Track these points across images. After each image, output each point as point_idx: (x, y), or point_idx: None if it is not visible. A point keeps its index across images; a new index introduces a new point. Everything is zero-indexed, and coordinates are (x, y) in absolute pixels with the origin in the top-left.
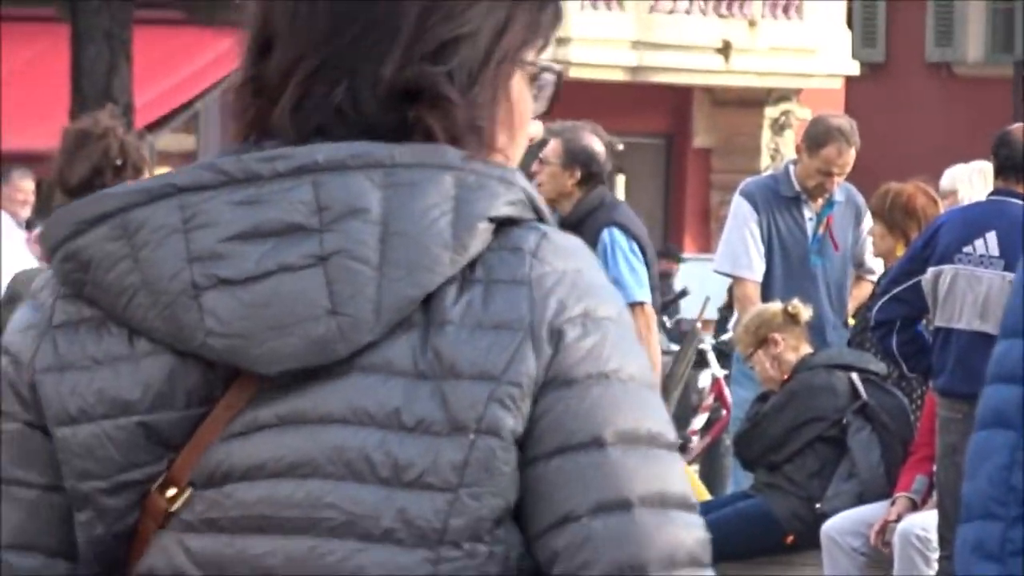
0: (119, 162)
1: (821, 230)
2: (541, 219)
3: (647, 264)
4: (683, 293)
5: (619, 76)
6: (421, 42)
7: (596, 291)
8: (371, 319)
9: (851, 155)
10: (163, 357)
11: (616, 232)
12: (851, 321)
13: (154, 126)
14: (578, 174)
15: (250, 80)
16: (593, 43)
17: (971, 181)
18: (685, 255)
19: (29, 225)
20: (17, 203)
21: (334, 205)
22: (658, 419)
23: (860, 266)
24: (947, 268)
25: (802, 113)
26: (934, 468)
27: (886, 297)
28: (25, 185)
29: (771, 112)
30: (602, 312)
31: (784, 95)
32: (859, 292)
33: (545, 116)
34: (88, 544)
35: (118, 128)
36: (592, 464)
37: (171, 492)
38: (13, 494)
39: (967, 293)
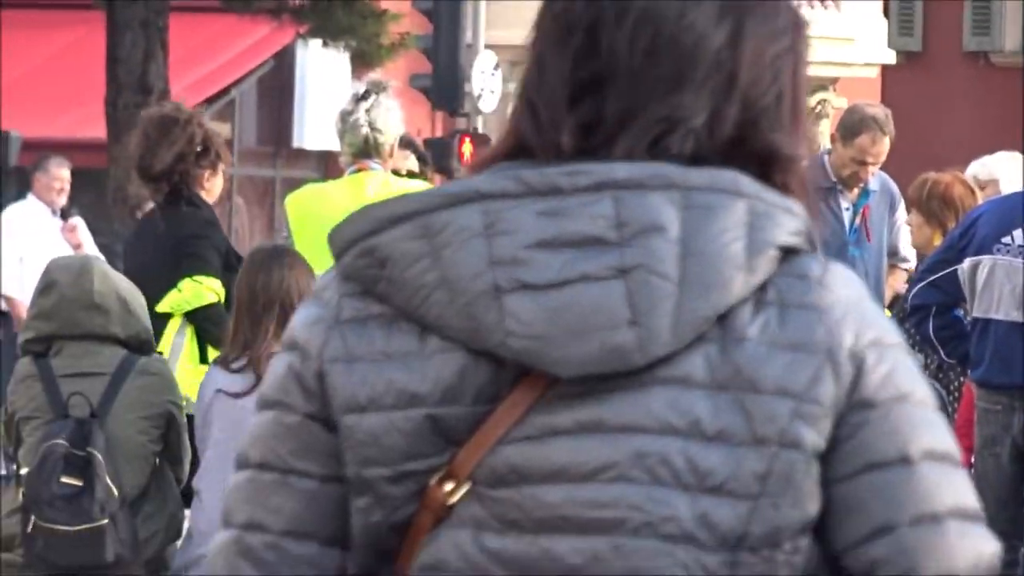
0: (200, 149)
1: (858, 221)
2: (815, 248)
3: None
4: None
5: None
6: (753, 98)
7: (880, 319)
8: (668, 333)
9: (885, 144)
10: (455, 354)
11: None
12: (886, 312)
13: None
14: None
15: (578, 122)
16: None
17: (1008, 170)
18: None
19: (64, 214)
20: (53, 191)
21: (633, 221)
22: (949, 438)
23: (894, 255)
24: (985, 258)
25: (838, 102)
26: (972, 459)
27: (922, 283)
28: (62, 173)
29: (807, 101)
30: (889, 340)
31: (820, 84)
32: (893, 280)
33: None
34: (364, 531)
35: (200, 115)
36: (902, 480)
37: (449, 486)
38: (292, 484)
39: (1005, 284)
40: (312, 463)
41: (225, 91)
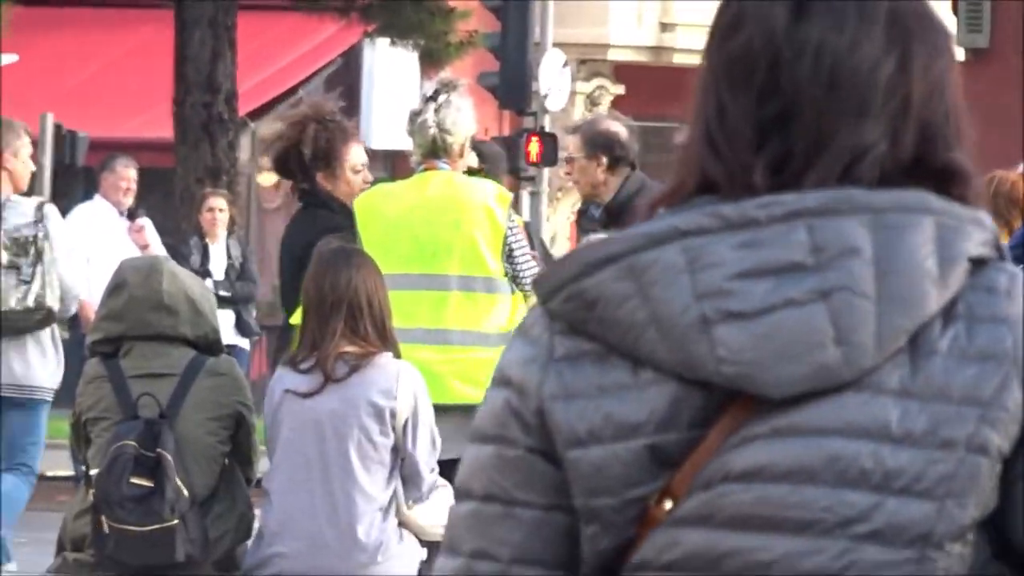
0: (311, 150)
1: None
2: (1001, 256)
3: None
4: None
5: None
6: (927, 118)
7: None
8: (872, 348)
9: None
10: (668, 385)
11: None
12: None
13: (257, 113)
14: (604, 160)
15: (768, 162)
16: (698, 29)
17: None
18: None
19: (131, 214)
20: (121, 191)
21: (829, 246)
22: None
23: None
24: None
25: None
26: None
27: None
28: (129, 173)
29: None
30: None
31: None
32: None
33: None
34: (594, 556)
35: (326, 117)
36: None
37: (669, 504)
38: (517, 515)
39: None
40: (535, 494)
41: (292, 90)
